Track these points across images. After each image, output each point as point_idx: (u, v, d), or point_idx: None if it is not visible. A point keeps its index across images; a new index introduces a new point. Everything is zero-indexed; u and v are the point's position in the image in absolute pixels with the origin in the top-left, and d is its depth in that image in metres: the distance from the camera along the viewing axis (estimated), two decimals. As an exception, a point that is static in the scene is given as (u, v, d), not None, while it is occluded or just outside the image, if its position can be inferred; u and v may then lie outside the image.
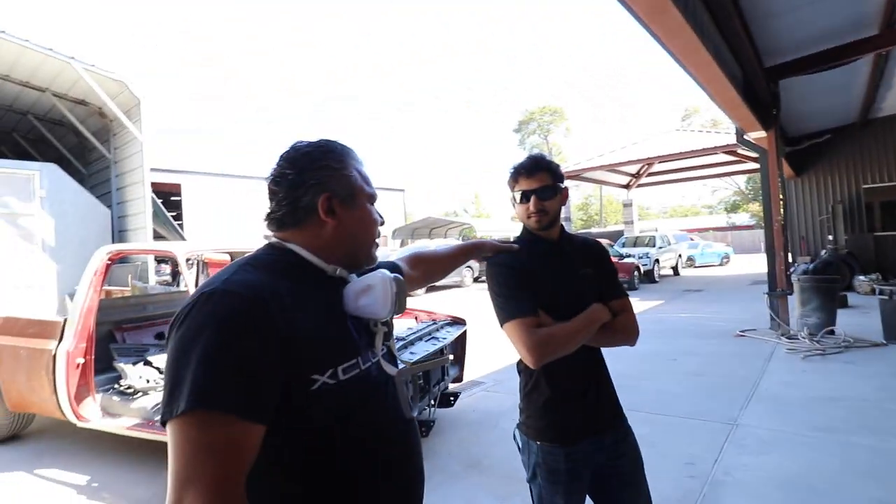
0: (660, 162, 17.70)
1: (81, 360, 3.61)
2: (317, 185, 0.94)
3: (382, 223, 1.08)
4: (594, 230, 33.34)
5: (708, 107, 40.46)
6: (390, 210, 29.06)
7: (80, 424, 3.59)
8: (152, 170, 18.22)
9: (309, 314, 0.86)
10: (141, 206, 8.25)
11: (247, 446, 0.75)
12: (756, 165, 15.30)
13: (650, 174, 20.48)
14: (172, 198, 20.52)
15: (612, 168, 17.45)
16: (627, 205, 21.49)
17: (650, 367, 5.54)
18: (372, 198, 1.04)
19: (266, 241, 1.00)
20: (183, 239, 11.60)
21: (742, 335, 6.92)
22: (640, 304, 10.88)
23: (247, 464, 0.76)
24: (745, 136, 7.30)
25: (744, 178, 36.20)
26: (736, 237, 32.11)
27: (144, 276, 8.17)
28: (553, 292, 1.48)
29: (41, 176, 7.32)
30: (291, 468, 0.85)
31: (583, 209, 55.86)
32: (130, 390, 3.89)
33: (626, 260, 14.00)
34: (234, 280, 0.83)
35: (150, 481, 3.23)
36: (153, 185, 11.49)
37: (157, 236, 10.51)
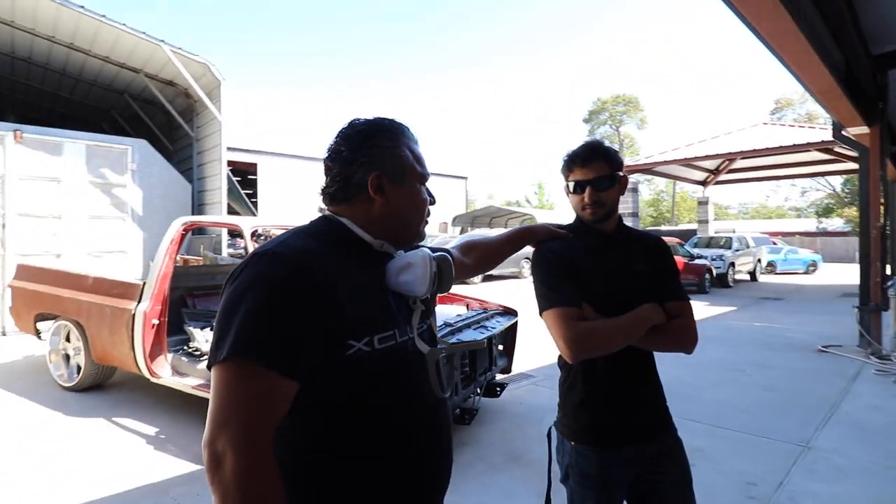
0: (742, 158, 16.44)
1: (156, 322, 3.90)
2: (368, 162, 0.97)
3: (433, 203, 1.08)
4: (664, 228, 31.68)
5: (802, 99, 37.07)
6: (452, 197, 29.15)
7: (152, 380, 3.90)
8: (232, 149, 19.33)
9: (351, 283, 0.89)
10: (217, 183, 8.77)
11: (278, 399, 0.80)
12: (855, 165, 13.90)
13: (731, 171, 19.09)
14: (249, 176, 21.67)
15: (687, 163, 16.41)
16: (703, 202, 20.19)
17: (714, 377, 5.20)
18: (423, 177, 1.05)
19: (320, 214, 1.03)
20: (254, 214, 12.23)
21: (824, 350, 6.33)
22: (708, 309, 10.25)
23: (276, 415, 0.80)
24: (843, 132, 6.58)
25: (839, 179, 32.98)
26: (826, 244, 29.46)
27: (218, 247, 8.71)
28: (601, 287, 1.38)
29: (133, 151, 7.95)
30: (321, 428, 0.88)
31: (653, 205, 53.31)
32: (198, 352, 4.17)
33: (696, 261, 13.19)
34: (285, 244, 0.88)
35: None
36: (232, 163, 12.22)
37: (232, 211, 11.17)
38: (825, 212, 36.59)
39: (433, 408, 1.01)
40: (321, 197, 1.03)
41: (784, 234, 30.47)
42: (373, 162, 0.97)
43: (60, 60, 9.42)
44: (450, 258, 1.10)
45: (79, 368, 4.46)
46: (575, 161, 1.42)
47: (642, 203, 51.69)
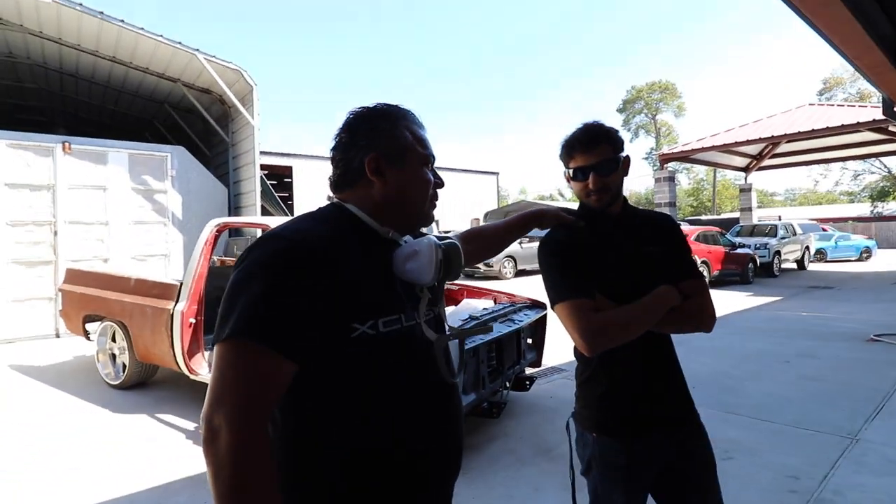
0: (787, 142, 15.69)
1: (193, 320, 4.04)
2: (365, 145, 0.97)
3: (440, 185, 1.07)
4: (704, 218, 30.57)
5: (853, 77, 34.97)
6: (484, 193, 29.04)
7: (191, 377, 4.05)
8: (267, 153, 19.81)
9: (356, 267, 0.90)
10: (252, 186, 9.03)
11: (276, 379, 0.82)
12: (912, 144, 13.04)
13: (774, 155, 18.24)
14: (285, 179, 22.21)
15: (727, 149, 15.79)
16: (745, 190, 19.37)
17: (757, 368, 4.99)
18: (426, 158, 1.03)
19: (328, 202, 1.05)
20: (286, 215, 12.53)
21: (877, 339, 5.98)
22: (752, 299, 9.85)
23: (273, 394, 0.82)
24: (895, 109, 6.18)
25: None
26: (882, 229, 27.76)
27: (254, 248, 8.95)
28: (614, 273, 1.34)
29: (172, 157, 8.27)
30: (327, 409, 0.88)
31: (693, 195, 51.55)
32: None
33: (738, 250, 12.67)
34: (290, 228, 0.90)
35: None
36: (267, 167, 12.55)
37: (266, 212, 11.47)
38: (880, 195, 34.42)
39: (442, 393, 1.01)
40: (329, 185, 1.04)
41: (835, 220, 28.91)
42: (370, 144, 0.97)
43: (104, 73, 9.89)
44: (458, 245, 1.09)
45: (124, 367, 4.68)
46: (575, 146, 1.36)
47: (682, 193, 50.12)
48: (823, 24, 3.48)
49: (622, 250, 1.37)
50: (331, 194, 1.05)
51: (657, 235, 1.42)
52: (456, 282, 5.37)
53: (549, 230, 1.46)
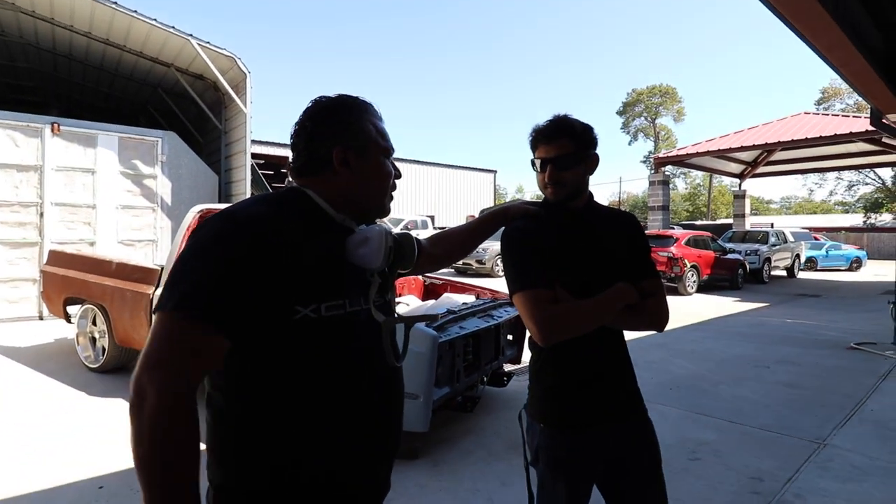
0: (782, 149, 15.78)
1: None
2: (332, 136, 1.01)
3: (398, 176, 1.11)
4: (699, 223, 30.67)
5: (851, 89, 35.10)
6: (481, 190, 29.03)
7: (169, 362, 4.03)
8: (262, 142, 19.69)
9: (304, 251, 0.91)
10: (242, 174, 8.98)
11: (207, 353, 0.84)
12: (905, 156, 13.12)
13: (769, 163, 18.36)
14: (282, 170, 22.09)
15: (722, 154, 15.85)
16: (739, 196, 19.47)
17: (734, 372, 5.02)
18: (387, 151, 1.08)
19: (287, 186, 1.06)
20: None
21: (856, 348, 6.03)
22: (739, 304, 9.91)
23: (203, 366, 0.85)
24: (883, 120, 6.22)
25: (890, 171, 31.19)
26: (874, 240, 27.95)
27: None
28: (573, 267, 1.35)
29: (163, 142, 8.21)
30: (268, 387, 0.91)
31: (689, 200, 51.72)
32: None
33: (729, 256, 12.73)
34: (242, 209, 0.92)
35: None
36: (264, 156, 12.48)
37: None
38: (874, 206, 34.72)
39: (385, 377, 1.04)
40: (288, 171, 1.07)
41: (829, 230, 29.08)
42: (337, 136, 1.01)
43: (98, 56, 9.80)
44: (412, 237, 1.14)
45: (104, 350, 4.66)
46: (539, 138, 1.37)
47: (678, 197, 50.23)
48: (806, 31, 3.50)
49: (581, 245, 1.38)
50: (290, 180, 1.08)
51: (619, 233, 1.43)
52: (442, 277, 5.38)
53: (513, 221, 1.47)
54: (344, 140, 1.01)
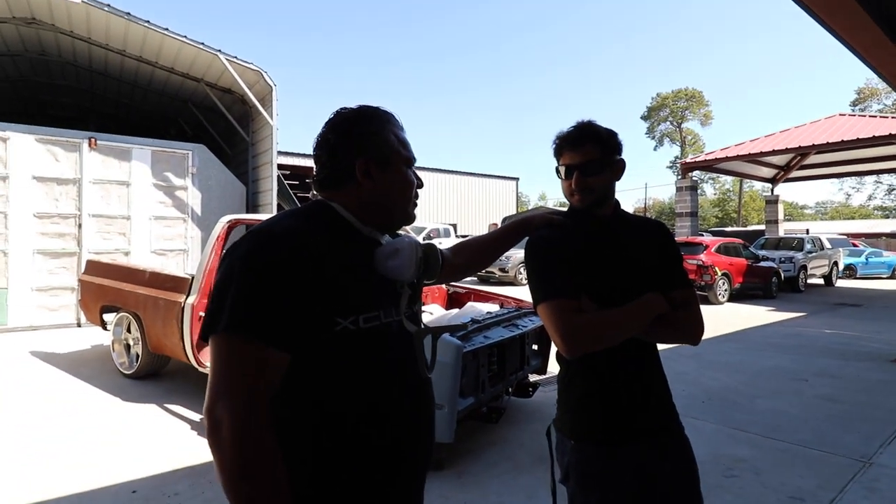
0: (816, 153, 15.29)
1: (203, 314, 4.11)
2: (355, 148, 1.01)
3: (420, 185, 1.12)
4: (729, 229, 29.91)
5: (889, 89, 33.88)
6: (503, 198, 28.94)
7: (200, 370, 4.11)
8: (288, 153, 20.04)
9: (339, 264, 0.92)
10: (269, 185, 9.16)
11: (270, 369, 0.86)
12: (949, 158, 12.54)
13: (803, 167, 17.79)
14: (307, 180, 22.48)
15: (753, 159, 15.45)
16: (771, 201, 18.90)
17: (770, 385, 4.84)
18: (409, 161, 1.08)
19: (312, 199, 1.08)
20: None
21: (902, 361, 5.75)
22: (773, 314, 9.58)
23: (270, 383, 0.86)
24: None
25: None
26: (917, 246, 26.75)
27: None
28: (599, 277, 1.31)
29: (193, 155, 8.45)
30: (310, 398, 0.92)
31: (718, 205, 50.52)
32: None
33: (762, 263, 12.34)
34: (280, 224, 0.93)
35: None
36: (290, 167, 12.72)
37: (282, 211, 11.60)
38: (916, 211, 33.24)
39: (417, 388, 1.04)
40: (312, 184, 1.07)
41: (868, 236, 27.99)
42: (359, 148, 1.01)
43: (131, 72, 10.18)
44: (436, 247, 1.14)
45: (137, 357, 4.78)
46: (563, 144, 1.35)
47: (706, 203, 49.16)
48: (843, 31, 3.38)
49: (608, 253, 1.34)
50: (314, 193, 1.08)
51: (648, 242, 1.39)
52: (465, 285, 5.36)
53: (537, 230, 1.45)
54: (366, 152, 1.01)
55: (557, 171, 1.40)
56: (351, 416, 0.93)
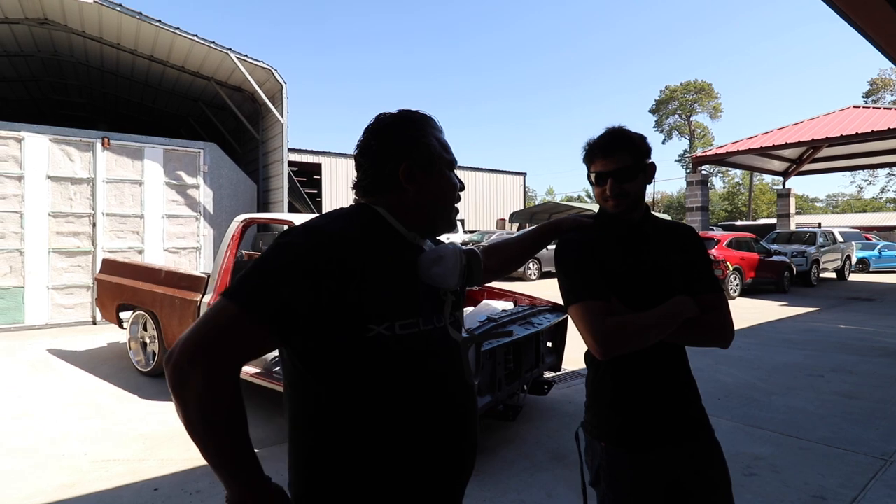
0: (829, 145, 15.09)
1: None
2: (398, 154, 1.01)
3: (462, 188, 1.11)
4: (739, 223, 29.63)
5: (904, 79, 33.33)
6: (510, 193, 28.86)
7: (215, 368, 4.14)
8: (296, 150, 20.09)
9: (380, 269, 0.92)
10: (280, 182, 9.20)
11: (253, 346, 0.86)
12: (966, 150, 12.33)
13: (815, 160, 17.58)
14: (314, 176, 22.55)
15: (764, 152, 15.27)
16: (783, 195, 18.69)
17: (787, 381, 4.81)
18: (451, 164, 1.08)
19: (356, 203, 1.08)
20: (313, 212, 12.73)
21: (920, 356, 5.68)
22: (786, 309, 9.50)
23: (246, 357, 0.86)
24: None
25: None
26: (931, 239, 26.39)
27: (281, 244, 9.13)
28: (630, 280, 1.31)
29: (204, 153, 8.49)
30: (343, 406, 0.92)
31: (728, 199, 50.06)
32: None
33: (774, 258, 12.22)
34: (329, 224, 0.94)
35: (266, 424, 3.63)
36: (297, 164, 12.76)
37: (293, 209, 11.67)
38: (930, 203, 32.76)
39: (460, 395, 1.03)
40: (354, 190, 1.07)
41: (881, 229, 27.64)
42: (402, 153, 1.01)
43: (142, 71, 10.23)
44: (478, 253, 1.14)
45: (154, 355, 4.84)
46: (595, 151, 1.35)
47: (716, 197, 48.73)
48: (866, 24, 3.32)
49: (639, 257, 1.34)
50: (356, 198, 1.08)
51: (678, 246, 1.39)
52: (477, 282, 5.35)
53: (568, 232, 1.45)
54: (409, 156, 1.01)
55: (589, 178, 1.40)
56: (387, 427, 0.92)
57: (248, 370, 3.95)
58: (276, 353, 1.06)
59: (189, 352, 0.81)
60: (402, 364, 0.93)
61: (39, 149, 7.19)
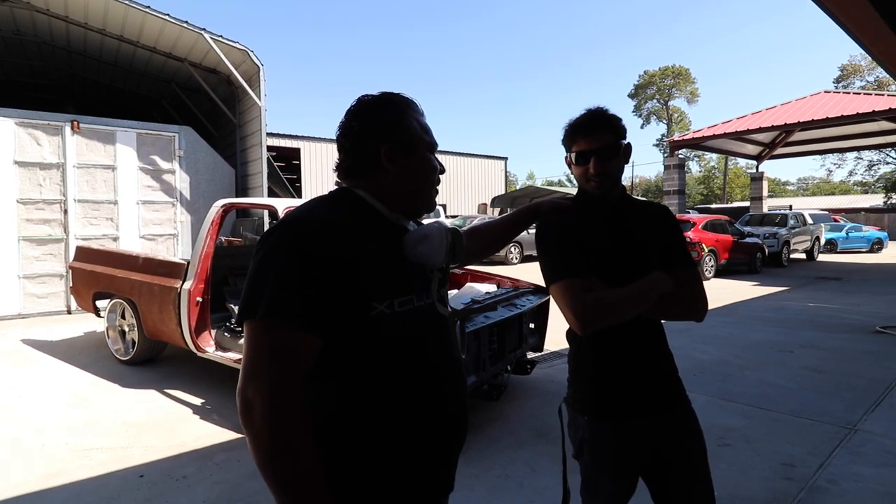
0: (801, 130, 15.44)
1: (200, 299, 4.09)
2: (379, 136, 1.02)
3: (442, 171, 1.12)
4: (714, 206, 30.24)
5: (872, 65, 34.16)
6: (491, 178, 28.88)
7: (199, 354, 4.11)
8: (275, 135, 19.73)
9: (371, 251, 0.94)
10: (258, 167, 9.04)
11: (302, 353, 0.88)
12: (929, 134, 12.76)
13: (788, 144, 18.00)
14: (293, 161, 22.18)
15: (739, 136, 15.58)
16: (756, 178, 19.15)
17: (758, 357, 5.00)
18: (431, 146, 1.09)
19: (337, 187, 1.08)
20: (293, 197, 12.56)
21: (883, 331, 5.95)
22: (758, 289, 9.81)
23: (301, 367, 0.88)
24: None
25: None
26: (895, 220, 27.37)
27: (260, 229, 9.00)
28: (608, 257, 1.36)
29: (180, 137, 8.28)
30: (351, 381, 0.94)
31: (704, 182, 50.99)
32: (239, 329, 4.36)
33: (747, 240, 12.56)
34: (310, 212, 0.95)
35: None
36: (276, 148, 12.54)
37: (273, 194, 11.49)
38: (895, 186, 33.91)
39: (450, 369, 1.06)
40: (336, 172, 1.07)
41: (848, 211, 28.54)
42: (384, 135, 1.02)
43: (112, 52, 9.87)
44: (460, 231, 1.15)
45: (133, 343, 4.77)
46: (578, 131, 1.37)
47: (692, 180, 49.54)
48: (836, 9, 3.40)
49: (617, 235, 1.39)
50: (338, 181, 1.08)
51: (653, 224, 1.43)
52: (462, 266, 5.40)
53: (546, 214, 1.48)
54: (391, 138, 1.02)
55: (567, 160, 1.43)
56: (390, 401, 0.95)
57: (233, 356, 3.94)
58: None
59: (245, 379, 0.85)
60: (401, 340, 0.96)
61: (5, 133, 6.91)
